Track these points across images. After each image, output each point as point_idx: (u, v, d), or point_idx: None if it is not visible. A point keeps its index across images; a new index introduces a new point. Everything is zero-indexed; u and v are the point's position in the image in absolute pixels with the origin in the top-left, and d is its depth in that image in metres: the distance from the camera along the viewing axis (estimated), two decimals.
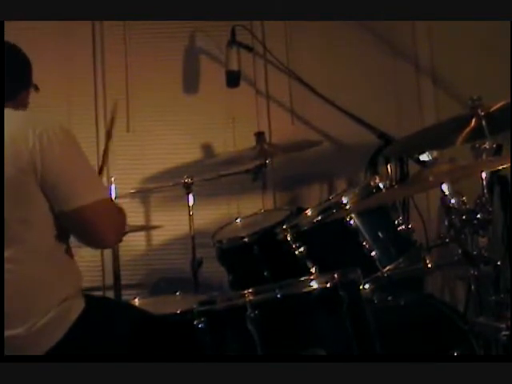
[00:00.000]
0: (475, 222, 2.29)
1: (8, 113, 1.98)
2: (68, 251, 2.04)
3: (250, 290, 1.99)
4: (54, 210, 1.94)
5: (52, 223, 1.96)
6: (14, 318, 1.89)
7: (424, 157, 2.58)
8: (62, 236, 2.00)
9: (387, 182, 2.90)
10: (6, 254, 1.90)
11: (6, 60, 2.06)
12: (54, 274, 1.98)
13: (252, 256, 2.70)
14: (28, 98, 2.16)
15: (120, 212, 2.17)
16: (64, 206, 1.93)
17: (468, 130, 2.40)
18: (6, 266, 1.89)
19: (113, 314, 2.13)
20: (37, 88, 2.21)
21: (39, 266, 1.95)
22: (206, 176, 3.40)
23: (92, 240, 2.03)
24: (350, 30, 3.73)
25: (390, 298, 2.46)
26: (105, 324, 2.04)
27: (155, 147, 3.77)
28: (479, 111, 2.34)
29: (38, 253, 1.95)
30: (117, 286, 3.14)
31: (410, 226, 2.56)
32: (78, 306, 1.99)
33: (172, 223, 3.63)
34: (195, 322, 2.03)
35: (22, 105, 2.12)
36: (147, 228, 3.72)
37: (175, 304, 2.67)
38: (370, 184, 2.60)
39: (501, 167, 2.37)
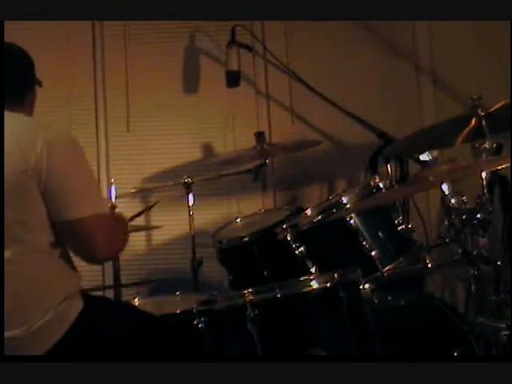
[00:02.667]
0: (475, 221, 2.29)
1: (16, 117, 1.99)
2: (66, 252, 2.04)
3: (250, 290, 1.99)
4: (51, 217, 1.94)
5: (50, 226, 1.96)
6: (12, 319, 1.89)
7: (424, 157, 2.59)
8: (60, 238, 2.00)
9: (387, 182, 2.90)
10: (5, 254, 1.90)
11: (11, 63, 2.06)
12: (53, 275, 1.99)
13: (252, 256, 2.70)
14: (34, 99, 2.16)
15: (120, 228, 2.17)
16: (61, 216, 1.94)
17: (468, 129, 2.39)
18: (5, 267, 1.90)
19: (112, 314, 2.13)
20: (40, 84, 2.22)
21: (37, 266, 1.95)
22: (206, 176, 3.40)
23: (83, 253, 2.01)
24: (350, 30, 3.73)
25: (389, 297, 2.46)
26: (104, 324, 2.04)
27: (155, 147, 3.77)
28: (479, 111, 2.34)
29: (36, 254, 1.95)
30: (117, 285, 3.14)
31: (409, 226, 2.56)
32: (77, 306, 2.00)
33: (172, 223, 3.63)
34: (195, 322, 2.04)
35: (28, 107, 2.11)
36: (147, 228, 3.72)
37: (175, 304, 2.67)
38: (369, 184, 2.60)
39: (501, 167, 2.37)
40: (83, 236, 1.97)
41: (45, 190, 1.91)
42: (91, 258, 2.05)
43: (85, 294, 2.06)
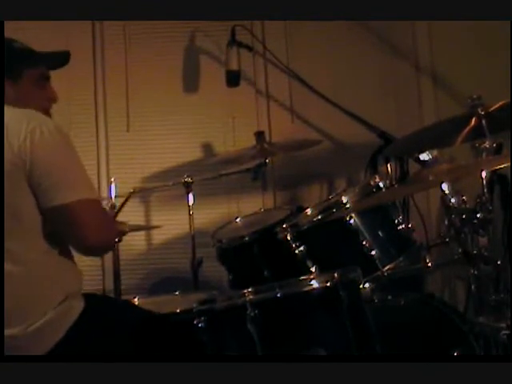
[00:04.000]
0: (475, 221, 2.29)
1: (7, 109, 1.98)
2: (66, 251, 2.04)
3: (250, 290, 1.99)
4: (40, 206, 1.93)
5: (43, 219, 1.95)
6: (11, 318, 1.88)
7: (424, 156, 2.58)
8: (59, 236, 2.00)
9: (387, 182, 2.90)
10: (4, 253, 1.90)
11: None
12: (53, 274, 1.98)
13: (252, 255, 2.70)
14: (13, 90, 2.08)
15: (108, 216, 2.16)
16: (49, 202, 1.91)
17: (468, 129, 2.40)
18: (5, 266, 1.89)
19: (113, 313, 2.12)
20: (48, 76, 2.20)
21: (37, 265, 1.94)
22: (206, 176, 3.40)
23: (74, 240, 1.99)
24: (350, 30, 3.73)
25: (389, 297, 2.46)
26: (105, 324, 2.03)
27: (155, 147, 3.77)
28: (479, 110, 2.34)
29: (36, 252, 1.94)
30: (117, 285, 3.14)
31: (409, 226, 2.56)
32: (78, 306, 1.99)
33: (172, 223, 3.64)
34: (195, 322, 2.03)
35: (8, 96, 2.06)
36: (147, 228, 3.72)
37: (175, 303, 2.66)
38: (369, 183, 2.60)
39: (501, 166, 2.37)
40: (72, 222, 1.93)
41: (30, 180, 1.89)
42: (82, 246, 2.01)
43: (86, 294, 2.05)
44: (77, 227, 1.94)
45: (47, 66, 2.20)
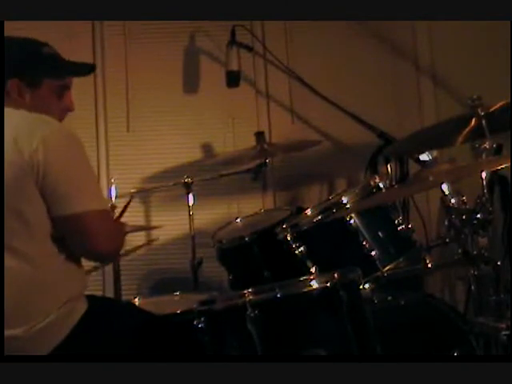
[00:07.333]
0: (475, 221, 2.29)
1: (16, 113, 1.98)
2: (73, 254, 2.04)
3: (250, 290, 1.99)
4: (50, 214, 1.93)
5: (52, 226, 1.95)
6: (13, 319, 1.88)
7: (424, 157, 2.59)
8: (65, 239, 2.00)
9: (387, 182, 2.90)
10: (7, 254, 1.90)
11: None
12: (57, 276, 1.97)
13: (252, 256, 2.71)
14: (15, 91, 2.05)
15: (119, 227, 2.16)
16: (59, 211, 1.92)
17: (468, 129, 2.39)
18: (7, 266, 1.89)
19: (115, 315, 2.12)
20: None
21: (41, 267, 1.94)
22: (206, 176, 3.40)
23: (82, 249, 2.00)
24: (350, 30, 3.73)
25: (389, 297, 2.46)
26: (107, 325, 2.03)
27: (155, 147, 3.77)
28: (479, 111, 2.34)
29: (40, 253, 1.94)
30: (117, 286, 3.14)
31: (409, 226, 2.56)
32: (80, 308, 1.99)
33: (172, 223, 3.63)
34: (195, 322, 2.03)
35: (8, 98, 2.04)
36: (147, 228, 3.72)
37: (175, 304, 2.67)
38: (369, 184, 2.60)
39: (501, 167, 2.37)
40: (82, 232, 1.94)
41: (42, 187, 1.89)
42: (91, 254, 2.03)
43: (88, 295, 2.05)
44: (86, 237, 1.95)
45: (71, 75, 2.19)
